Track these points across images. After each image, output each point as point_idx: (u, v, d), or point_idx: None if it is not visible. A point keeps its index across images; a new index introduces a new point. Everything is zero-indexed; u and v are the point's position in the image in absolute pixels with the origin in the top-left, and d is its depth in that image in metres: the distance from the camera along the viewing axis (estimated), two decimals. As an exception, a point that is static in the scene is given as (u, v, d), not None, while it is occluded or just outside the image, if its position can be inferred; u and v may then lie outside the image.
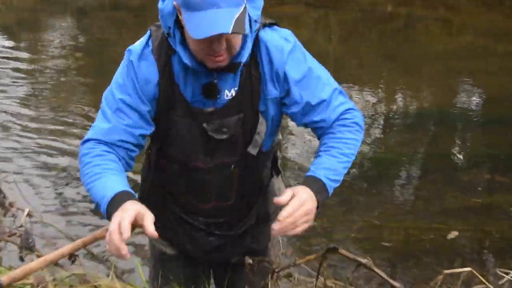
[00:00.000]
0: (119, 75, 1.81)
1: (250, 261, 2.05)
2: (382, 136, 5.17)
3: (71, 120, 5.40)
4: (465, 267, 2.22)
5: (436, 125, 5.33)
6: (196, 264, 2.13)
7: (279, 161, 2.13)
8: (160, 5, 1.70)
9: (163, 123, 1.81)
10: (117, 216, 1.51)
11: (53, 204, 4.06)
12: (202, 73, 1.71)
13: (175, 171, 1.88)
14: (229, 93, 1.76)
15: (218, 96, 1.75)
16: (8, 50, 7.65)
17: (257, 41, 1.75)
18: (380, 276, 2.13)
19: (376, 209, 3.96)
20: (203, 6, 1.52)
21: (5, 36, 8.27)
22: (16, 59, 7.34)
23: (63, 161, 4.61)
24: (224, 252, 2.04)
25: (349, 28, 7.89)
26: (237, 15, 1.53)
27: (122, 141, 1.76)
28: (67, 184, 4.26)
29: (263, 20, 1.77)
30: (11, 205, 2.72)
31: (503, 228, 3.75)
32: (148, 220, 1.51)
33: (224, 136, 1.78)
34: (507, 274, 2.17)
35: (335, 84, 1.83)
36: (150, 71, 1.76)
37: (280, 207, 1.86)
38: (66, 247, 1.85)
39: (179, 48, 1.68)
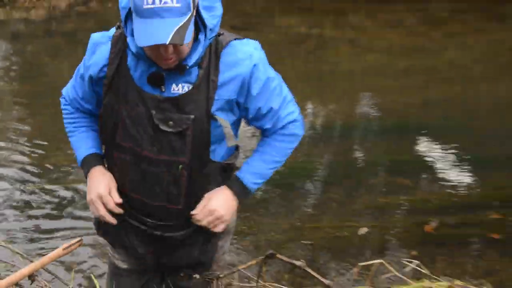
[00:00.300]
0: (85, 57, 1.84)
1: (197, 276, 2.03)
2: (298, 148, 5.28)
3: (8, 146, 5.18)
4: (375, 259, 2.31)
5: (344, 136, 5.51)
6: (148, 278, 2.10)
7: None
8: None
9: (114, 109, 1.77)
10: (94, 190, 1.80)
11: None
12: (151, 63, 1.69)
13: (127, 162, 1.82)
14: (176, 87, 1.72)
15: (163, 89, 1.71)
16: None
17: (220, 48, 1.72)
18: (313, 275, 2.17)
19: (295, 212, 4.10)
20: (147, 14, 1.51)
21: None
22: None
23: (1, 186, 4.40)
24: (173, 257, 1.98)
25: (266, 49, 8.14)
26: (178, 26, 1.51)
27: (79, 109, 1.94)
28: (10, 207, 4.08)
29: (221, 31, 1.75)
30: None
31: (405, 223, 3.95)
32: (113, 192, 1.79)
33: (170, 129, 1.73)
34: (410, 262, 2.31)
35: (286, 93, 1.86)
36: (103, 55, 1.77)
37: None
38: (25, 269, 1.89)
39: (129, 38, 1.66)
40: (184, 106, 1.71)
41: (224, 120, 1.77)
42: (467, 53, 7.86)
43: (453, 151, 5.10)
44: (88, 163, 1.86)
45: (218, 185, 1.88)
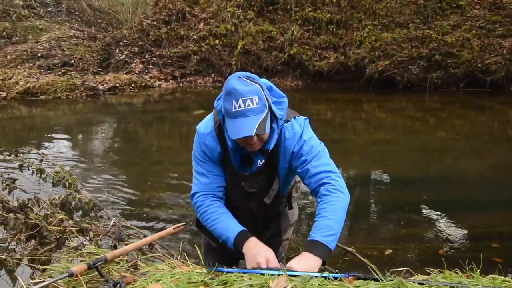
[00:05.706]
0: (196, 148, 1.85)
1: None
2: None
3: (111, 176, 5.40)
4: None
5: (363, 184, 5.37)
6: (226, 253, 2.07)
7: (293, 198, 2.11)
8: (215, 103, 1.73)
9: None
10: (260, 257, 1.63)
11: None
12: (242, 150, 1.74)
13: (230, 207, 1.87)
14: (260, 162, 1.78)
15: (252, 166, 1.78)
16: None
17: (280, 133, 1.74)
18: (360, 258, 2.23)
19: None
20: (236, 115, 1.54)
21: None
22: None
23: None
24: None
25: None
26: (259, 121, 1.54)
27: (217, 187, 1.84)
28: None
29: (290, 115, 1.78)
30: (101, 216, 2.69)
31: (422, 248, 3.73)
32: (272, 262, 1.62)
33: (254, 190, 1.84)
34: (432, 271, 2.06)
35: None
36: (214, 144, 1.79)
37: (286, 226, 2.09)
38: (146, 239, 1.94)
39: (226, 134, 1.70)
40: (261, 171, 1.81)
41: (278, 183, 1.88)
42: (453, 133, 7.66)
43: (450, 198, 4.82)
44: (243, 236, 1.75)
45: (284, 203, 2.06)
